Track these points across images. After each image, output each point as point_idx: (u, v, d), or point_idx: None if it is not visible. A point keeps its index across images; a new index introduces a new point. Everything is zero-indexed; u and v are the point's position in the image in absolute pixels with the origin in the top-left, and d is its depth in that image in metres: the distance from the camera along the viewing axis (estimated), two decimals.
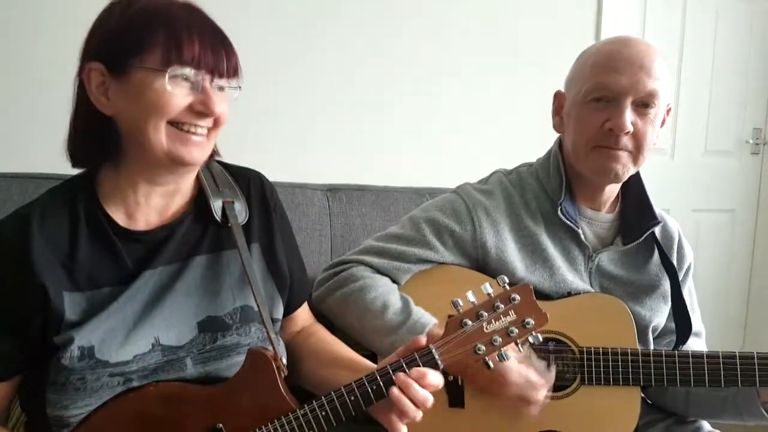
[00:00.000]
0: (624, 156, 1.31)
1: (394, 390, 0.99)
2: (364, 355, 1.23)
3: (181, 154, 1.02)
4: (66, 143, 1.08)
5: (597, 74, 1.30)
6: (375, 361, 1.29)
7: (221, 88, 1.04)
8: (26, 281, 0.99)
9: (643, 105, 1.29)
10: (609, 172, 1.32)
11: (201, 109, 1.01)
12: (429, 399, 1.00)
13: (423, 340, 1.03)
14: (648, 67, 1.28)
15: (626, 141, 1.29)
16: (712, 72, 3.24)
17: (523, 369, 1.19)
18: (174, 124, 1.01)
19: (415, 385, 0.99)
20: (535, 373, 1.20)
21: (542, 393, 1.21)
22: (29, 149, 1.93)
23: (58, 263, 1.02)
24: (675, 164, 3.25)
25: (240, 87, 1.07)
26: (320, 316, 1.39)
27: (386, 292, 1.32)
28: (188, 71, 0.99)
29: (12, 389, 1.06)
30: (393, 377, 1.00)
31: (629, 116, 1.28)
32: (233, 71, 1.04)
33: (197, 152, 1.04)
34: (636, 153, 1.31)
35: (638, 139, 1.30)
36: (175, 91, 0.99)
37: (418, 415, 1.00)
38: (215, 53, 1.01)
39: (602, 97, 1.29)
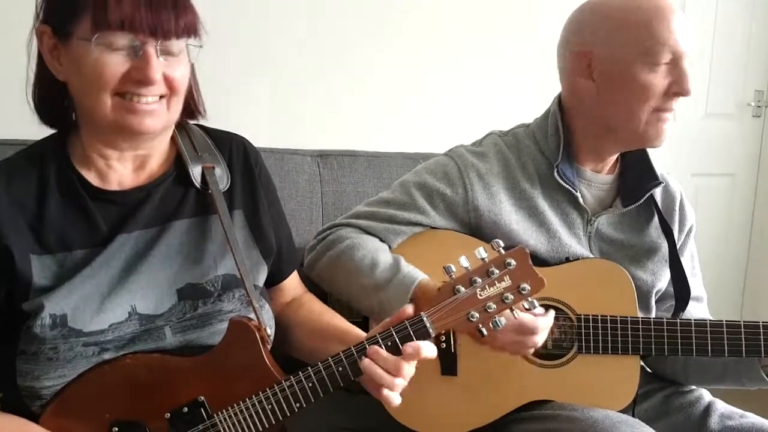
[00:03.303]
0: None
1: (365, 361, 0.95)
2: (356, 323, 1.19)
3: (130, 124, 0.96)
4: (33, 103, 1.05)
5: (663, 33, 1.22)
6: (367, 329, 1.26)
7: (169, 52, 0.96)
8: None
9: None
10: (664, 137, 1.31)
11: (138, 77, 0.93)
12: (402, 367, 0.95)
13: (410, 308, 0.98)
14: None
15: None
16: (713, 33, 3.16)
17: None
18: (119, 93, 0.94)
19: (383, 353, 0.95)
20: (530, 320, 1.11)
21: (541, 336, 1.13)
22: (3, 114, 1.87)
23: (24, 224, 0.98)
24: (675, 127, 3.18)
25: (201, 46, 0.99)
26: (314, 286, 1.36)
27: (375, 250, 1.28)
28: (119, 36, 0.91)
29: None
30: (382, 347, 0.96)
31: None
32: (185, 31, 0.96)
33: (150, 121, 0.97)
34: None
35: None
36: (107, 60, 0.92)
37: (396, 382, 0.95)
38: (155, 12, 0.91)
39: (670, 60, 1.24)
